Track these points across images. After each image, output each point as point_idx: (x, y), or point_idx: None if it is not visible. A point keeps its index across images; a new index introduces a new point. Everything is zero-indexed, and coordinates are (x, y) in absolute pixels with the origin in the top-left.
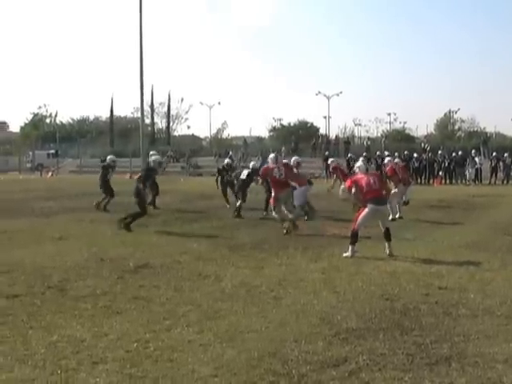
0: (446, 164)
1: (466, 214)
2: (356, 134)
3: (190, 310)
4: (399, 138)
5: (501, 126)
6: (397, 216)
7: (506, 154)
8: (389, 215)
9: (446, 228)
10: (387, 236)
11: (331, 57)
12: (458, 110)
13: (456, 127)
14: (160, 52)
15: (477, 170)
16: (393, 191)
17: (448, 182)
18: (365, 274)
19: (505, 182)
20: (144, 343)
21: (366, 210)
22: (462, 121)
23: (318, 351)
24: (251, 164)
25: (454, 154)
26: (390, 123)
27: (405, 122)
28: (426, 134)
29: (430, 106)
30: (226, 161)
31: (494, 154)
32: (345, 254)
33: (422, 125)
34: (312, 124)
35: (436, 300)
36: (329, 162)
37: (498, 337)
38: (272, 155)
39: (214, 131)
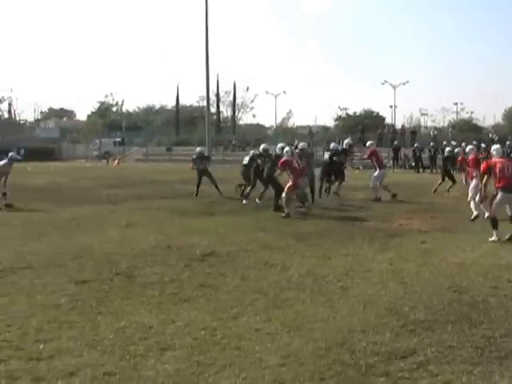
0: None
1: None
2: (422, 124)
3: (256, 298)
4: (466, 128)
5: None
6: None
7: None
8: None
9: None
10: None
11: (397, 45)
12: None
13: None
14: (226, 41)
15: None
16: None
17: None
18: (433, 265)
19: None
20: (211, 331)
21: (498, 197)
22: None
23: (386, 342)
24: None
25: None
26: (456, 113)
27: (472, 112)
28: (493, 124)
29: (499, 95)
30: (263, 146)
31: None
32: (491, 239)
33: (489, 115)
34: (378, 114)
35: (505, 293)
36: (367, 144)
37: None
38: (287, 148)
39: (279, 120)
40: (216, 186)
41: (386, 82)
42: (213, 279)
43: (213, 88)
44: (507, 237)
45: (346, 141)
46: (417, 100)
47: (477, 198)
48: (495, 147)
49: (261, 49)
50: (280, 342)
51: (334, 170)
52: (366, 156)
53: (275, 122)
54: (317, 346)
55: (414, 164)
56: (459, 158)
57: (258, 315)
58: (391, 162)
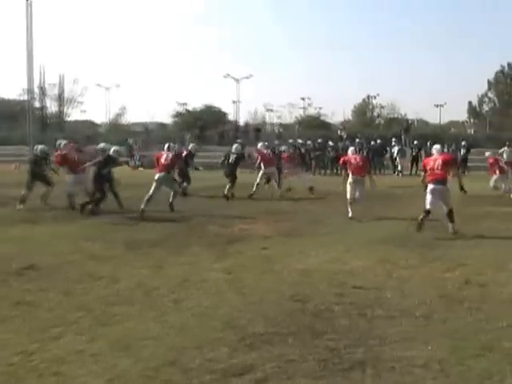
0: (365, 153)
1: (383, 207)
2: (267, 121)
3: (81, 315)
4: (314, 125)
5: (423, 113)
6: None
7: (428, 143)
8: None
9: (362, 222)
10: None
11: (241, 36)
12: (377, 95)
13: (375, 113)
14: (51, 30)
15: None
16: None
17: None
18: (274, 272)
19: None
20: (28, 355)
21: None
22: (382, 107)
23: (222, 359)
24: (234, 148)
25: (372, 143)
26: (303, 109)
27: (320, 108)
28: (342, 120)
29: (348, 91)
30: (40, 148)
31: (416, 142)
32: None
33: (338, 111)
34: (220, 109)
35: (350, 300)
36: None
37: (416, 339)
38: (260, 144)
39: (111, 116)
40: (46, 193)
41: (228, 75)
42: (32, 296)
43: (37, 81)
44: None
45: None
46: (263, 96)
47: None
48: (436, 147)
49: (91, 39)
50: (106, 363)
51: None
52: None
53: (107, 118)
54: (146, 365)
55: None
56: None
57: (81, 334)
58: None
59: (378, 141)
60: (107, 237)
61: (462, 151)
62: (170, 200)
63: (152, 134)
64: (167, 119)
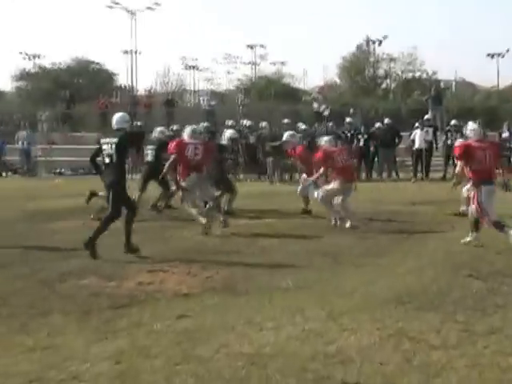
0: (361, 142)
1: (397, 237)
2: (189, 87)
3: None
4: (271, 93)
5: (467, 71)
6: None
7: (470, 124)
8: None
9: (362, 266)
10: None
11: None
12: (385, 39)
13: (380, 71)
14: None
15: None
16: None
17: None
18: (200, 360)
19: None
20: None
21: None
22: (392, 59)
23: None
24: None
25: (377, 125)
26: (253, 65)
27: (282, 63)
28: (322, 85)
29: (332, 31)
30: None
31: (453, 122)
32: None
33: (314, 68)
34: (102, 67)
35: None
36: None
37: None
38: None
39: None
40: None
41: (117, 4)
42: None
43: None
44: None
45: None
46: (180, 43)
47: None
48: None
49: None
50: None
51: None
52: None
53: None
54: None
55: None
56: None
57: None
58: None
59: (386, 121)
60: None
61: None
62: None
63: None
64: (6, 84)
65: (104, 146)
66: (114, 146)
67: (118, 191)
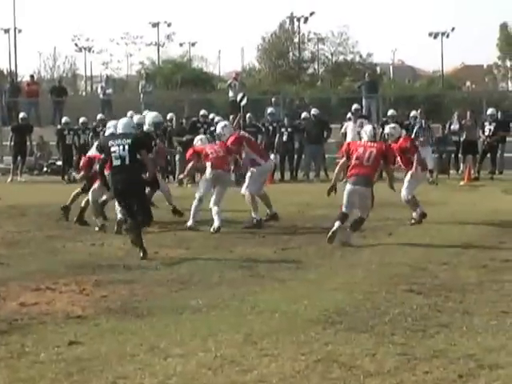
0: (284, 137)
1: (325, 247)
2: (80, 71)
3: None
4: (178, 80)
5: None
6: None
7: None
8: None
9: (284, 281)
10: None
11: None
12: (312, 15)
13: (306, 53)
14: None
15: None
16: None
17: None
18: None
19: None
20: None
21: None
22: (320, 39)
23: None
24: None
25: (304, 114)
26: (158, 46)
27: (192, 44)
28: (237, 70)
29: (251, 10)
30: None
31: (391, 112)
32: None
33: (230, 50)
34: None
35: None
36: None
37: None
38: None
39: None
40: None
41: None
42: None
43: None
44: None
45: None
46: (72, 19)
47: None
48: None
49: None
50: None
51: None
52: None
53: None
54: None
55: None
56: None
57: None
58: None
59: (314, 111)
60: None
61: (488, 127)
62: None
63: None
64: None
65: (113, 149)
66: (126, 147)
67: (142, 191)
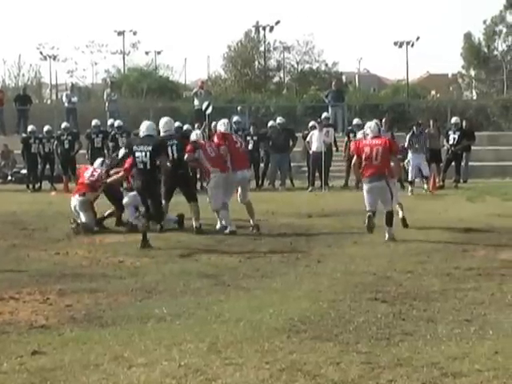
0: (250, 146)
1: (290, 256)
2: (45, 79)
3: None
4: (143, 89)
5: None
6: None
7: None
8: None
9: (249, 290)
10: None
11: None
12: (277, 24)
13: (272, 61)
14: None
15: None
16: None
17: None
18: None
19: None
20: None
21: None
22: (286, 48)
23: None
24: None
25: (271, 123)
26: (123, 54)
27: (158, 52)
28: (203, 79)
29: (217, 18)
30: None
31: (356, 121)
32: None
33: (196, 59)
34: None
35: None
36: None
37: None
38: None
39: None
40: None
41: None
42: None
43: None
44: None
45: None
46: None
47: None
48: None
49: None
50: None
51: None
52: None
53: None
54: None
55: None
56: None
57: None
58: None
59: (279, 120)
60: None
61: (452, 136)
62: None
63: None
64: None
65: (137, 154)
66: (148, 154)
67: (156, 191)
